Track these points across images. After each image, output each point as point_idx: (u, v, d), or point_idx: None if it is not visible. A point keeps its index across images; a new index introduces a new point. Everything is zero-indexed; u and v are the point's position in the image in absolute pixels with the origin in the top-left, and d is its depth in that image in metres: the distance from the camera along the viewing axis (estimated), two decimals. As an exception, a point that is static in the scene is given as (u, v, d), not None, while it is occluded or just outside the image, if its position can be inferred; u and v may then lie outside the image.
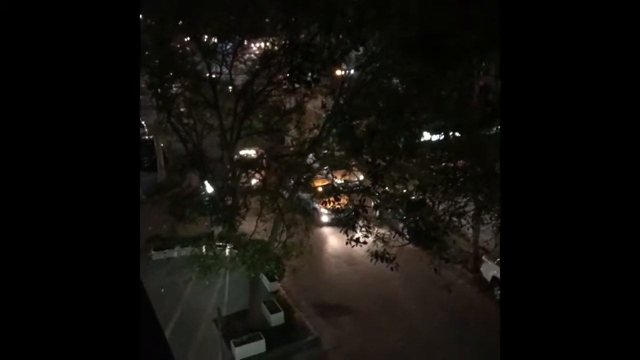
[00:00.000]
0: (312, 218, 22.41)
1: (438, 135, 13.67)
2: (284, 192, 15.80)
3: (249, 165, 15.73)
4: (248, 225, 16.12)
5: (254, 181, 16.33)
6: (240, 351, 16.04)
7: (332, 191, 17.48)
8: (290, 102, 18.97)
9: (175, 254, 21.22)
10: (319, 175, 16.77)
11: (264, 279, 18.84)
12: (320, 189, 16.66)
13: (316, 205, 20.99)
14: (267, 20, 17.48)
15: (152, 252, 21.31)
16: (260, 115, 16.79)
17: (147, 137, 30.60)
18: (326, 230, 23.14)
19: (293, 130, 17.65)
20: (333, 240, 22.20)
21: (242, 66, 18.41)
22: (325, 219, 23.43)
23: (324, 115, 15.59)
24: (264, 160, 15.88)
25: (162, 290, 18.52)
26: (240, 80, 18.56)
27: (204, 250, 16.44)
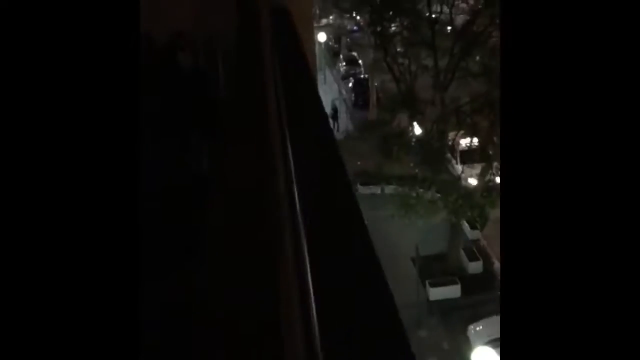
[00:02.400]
0: None
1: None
2: (495, 139, 15.14)
3: (460, 107, 15.33)
4: (454, 170, 15.92)
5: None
6: (434, 292, 16.29)
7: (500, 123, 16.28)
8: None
9: (379, 191, 21.93)
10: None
11: (465, 226, 18.58)
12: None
13: None
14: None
15: (359, 186, 22.31)
16: (478, 57, 16.08)
17: (362, 76, 31.45)
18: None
19: (512, 75, 16.59)
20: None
21: (464, 5, 17.70)
22: None
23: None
24: (477, 104, 15.31)
25: (366, 223, 19.43)
26: (460, 19, 17.89)
27: (407, 189, 16.74)
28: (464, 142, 16.57)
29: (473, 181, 15.78)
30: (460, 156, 15.84)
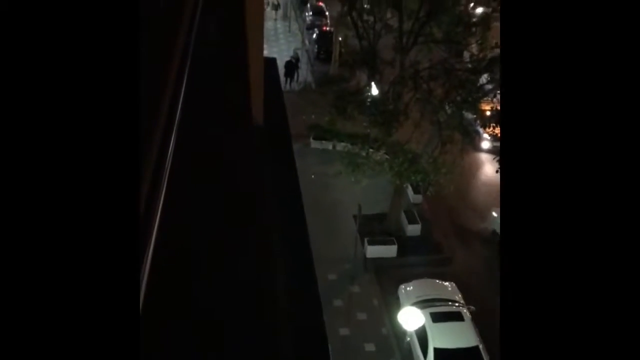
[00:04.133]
0: (471, 140, 21.62)
1: None
2: (448, 107, 15.32)
3: (419, 72, 15.35)
4: (404, 134, 16.07)
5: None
6: (372, 250, 16.71)
7: (499, 117, 16.58)
8: (477, 16, 17.82)
9: (330, 147, 22.02)
10: (488, 98, 15.94)
11: (409, 190, 18.98)
12: (487, 113, 15.88)
13: (479, 129, 20.11)
14: None
15: (311, 139, 22.30)
16: (442, 23, 16.03)
17: (327, 28, 30.97)
18: (484, 156, 22.27)
19: (473, 46, 16.70)
20: (489, 168, 21.39)
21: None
22: (486, 144, 22.40)
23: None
24: (435, 71, 15.37)
25: (313, 177, 19.53)
26: (429, -18, 17.71)
27: (357, 148, 16.85)
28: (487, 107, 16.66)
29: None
30: (482, 120, 15.98)
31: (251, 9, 3.22)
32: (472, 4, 17.09)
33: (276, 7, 33.88)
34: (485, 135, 21.40)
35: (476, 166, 21.93)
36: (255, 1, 3.69)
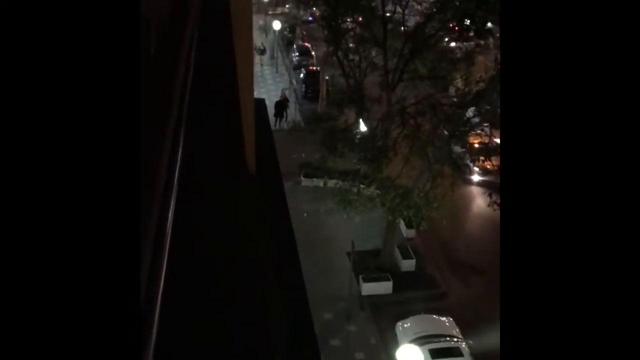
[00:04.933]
0: (461, 174, 21.77)
1: None
2: (436, 142, 15.48)
3: (406, 108, 15.57)
4: (394, 169, 16.17)
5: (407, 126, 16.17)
6: (367, 287, 16.57)
7: (488, 150, 16.79)
8: (460, 52, 18.21)
9: (321, 184, 22.06)
10: (475, 131, 16.13)
11: (401, 224, 18.96)
12: (476, 146, 16.06)
13: (469, 162, 20.28)
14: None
15: (302, 178, 22.33)
16: (427, 60, 16.36)
17: (314, 68, 31.43)
18: (475, 189, 22.34)
19: (458, 80, 17.02)
20: (480, 200, 21.45)
21: (418, 7, 17.94)
22: (476, 177, 22.51)
23: (494, 70, 14.79)
24: (421, 106, 15.60)
25: (305, 215, 19.48)
26: (412, 21, 18.14)
27: (348, 185, 16.90)
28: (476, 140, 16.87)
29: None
30: (471, 153, 16.18)
31: (241, 55, 3.29)
32: (453, 42, 17.45)
33: (262, 52, 34.36)
34: (475, 168, 21.51)
35: (468, 199, 22.00)
36: (244, 47, 3.76)
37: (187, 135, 1.57)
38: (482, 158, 16.01)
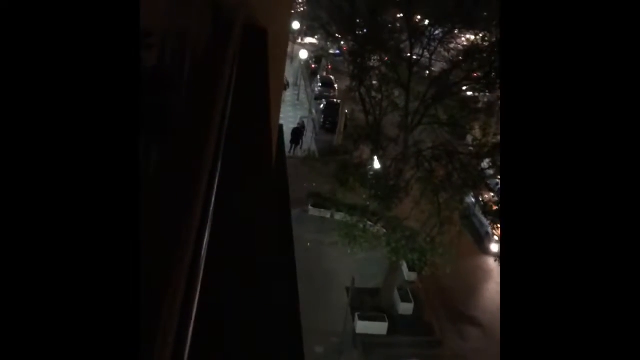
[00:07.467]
0: (481, 241, 21.15)
1: None
2: (449, 189, 15.47)
3: (422, 152, 15.63)
4: (403, 210, 16.14)
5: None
6: (362, 326, 16.37)
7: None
8: (482, 102, 18.35)
9: (328, 215, 22.04)
10: (489, 185, 16.01)
11: (404, 267, 18.82)
12: (495, 208, 15.83)
13: (490, 230, 19.87)
14: (484, 13, 16.96)
15: (310, 207, 22.35)
16: (448, 107, 16.49)
17: (335, 100, 31.75)
18: (491, 262, 20.04)
19: (477, 130, 17.10)
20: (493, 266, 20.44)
21: (445, 54, 18.16)
22: (495, 247, 19.56)
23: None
24: (438, 152, 15.65)
25: (309, 244, 19.43)
26: (438, 67, 18.34)
27: (355, 220, 16.87)
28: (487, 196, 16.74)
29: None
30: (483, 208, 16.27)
31: (274, 91, 3.37)
32: (476, 91, 17.60)
33: (285, 87, 34.83)
34: (496, 237, 19.58)
35: (485, 268, 21.06)
36: (276, 83, 3.84)
37: (224, 166, 1.61)
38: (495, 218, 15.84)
